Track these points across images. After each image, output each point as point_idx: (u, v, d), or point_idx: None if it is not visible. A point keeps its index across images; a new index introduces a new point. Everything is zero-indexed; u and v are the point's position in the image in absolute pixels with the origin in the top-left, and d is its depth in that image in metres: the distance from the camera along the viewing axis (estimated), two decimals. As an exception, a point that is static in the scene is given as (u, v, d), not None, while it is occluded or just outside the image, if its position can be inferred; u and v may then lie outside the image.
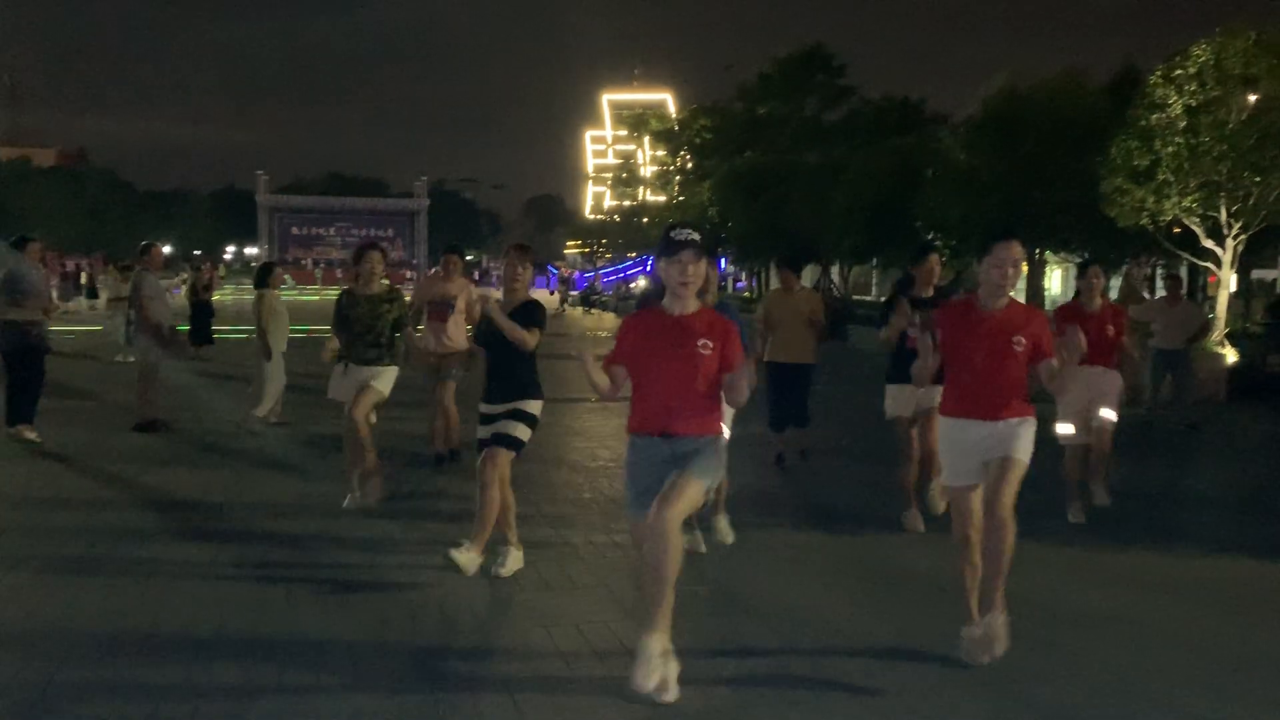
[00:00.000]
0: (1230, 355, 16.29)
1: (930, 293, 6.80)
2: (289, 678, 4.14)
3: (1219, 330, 17.38)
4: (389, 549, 6.10)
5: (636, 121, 67.81)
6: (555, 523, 6.88)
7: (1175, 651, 4.55)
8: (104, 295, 24.02)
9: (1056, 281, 46.14)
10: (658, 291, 4.31)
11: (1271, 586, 5.65)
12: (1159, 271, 27.59)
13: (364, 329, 7.15)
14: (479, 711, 3.87)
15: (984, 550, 4.40)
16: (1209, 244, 18.44)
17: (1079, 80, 24.71)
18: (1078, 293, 7.33)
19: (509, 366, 5.61)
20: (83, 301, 33.56)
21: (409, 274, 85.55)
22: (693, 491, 4.02)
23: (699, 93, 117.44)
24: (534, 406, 5.69)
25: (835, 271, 43.83)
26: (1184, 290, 13.89)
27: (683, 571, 4.03)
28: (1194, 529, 7.01)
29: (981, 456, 4.47)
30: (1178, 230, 19.22)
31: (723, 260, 55.02)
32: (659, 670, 3.87)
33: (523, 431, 5.61)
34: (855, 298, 43.71)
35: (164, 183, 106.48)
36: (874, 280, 57.03)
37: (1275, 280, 38.98)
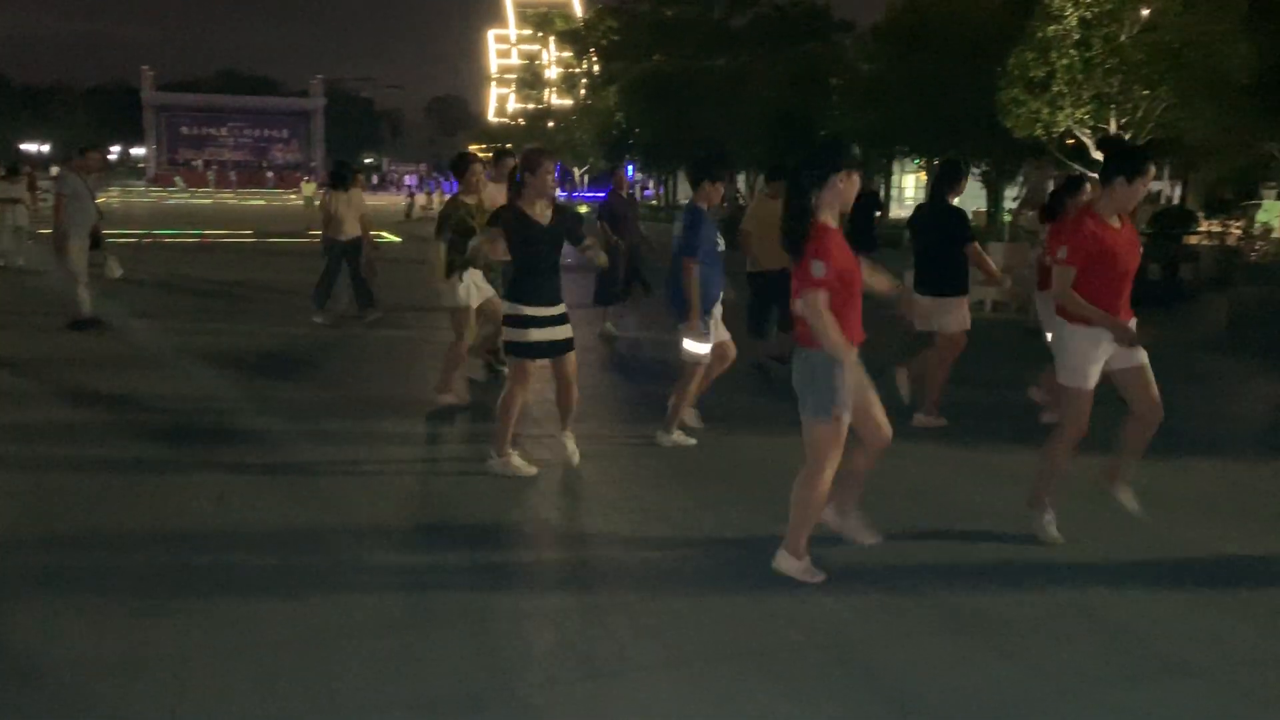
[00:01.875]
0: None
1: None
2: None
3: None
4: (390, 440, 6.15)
5: (541, 21, 66.31)
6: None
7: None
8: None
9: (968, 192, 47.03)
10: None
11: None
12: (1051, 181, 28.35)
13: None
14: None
15: (1136, 433, 4.93)
16: (1098, 155, 19.08)
17: (981, -10, 24.98)
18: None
19: (556, 269, 5.77)
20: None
21: (305, 177, 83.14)
22: None
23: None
24: None
25: (741, 180, 44.02)
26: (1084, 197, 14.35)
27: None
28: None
29: (1107, 358, 4.82)
30: (1070, 141, 19.81)
31: (630, 166, 54.69)
32: None
33: None
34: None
35: (42, 78, 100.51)
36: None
37: (1160, 192, 40.47)
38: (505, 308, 5.73)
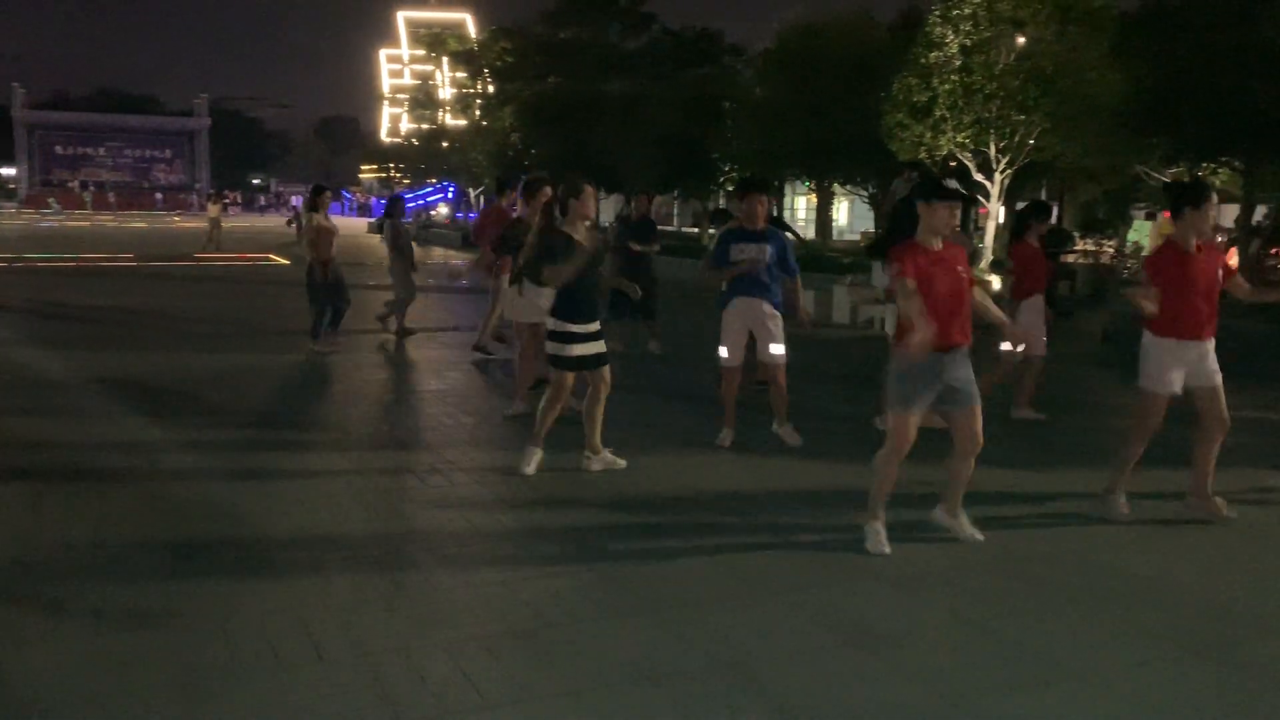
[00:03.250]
0: (996, 282, 17.60)
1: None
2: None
3: (986, 259, 18.72)
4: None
5: (434, 41, 65.68)
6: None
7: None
8: None
9: (844, 213, 48.23)
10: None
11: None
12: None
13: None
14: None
15: (1205, 447, 5.59)
16: (979, 178, 19.74)
17: (868, 17, 25.69)
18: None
19: (595, 288, 6.29)
20: None
21: (193, 199, 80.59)
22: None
23: (499, 14, 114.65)
24: None
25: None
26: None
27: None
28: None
29: (1187, 370, 5.47)
30: (953, 164, 20.46)
31: (525, 188, 54.50)
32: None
33: None
34: (660, 228, 44.23)
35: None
36: (675, 211, 57.95)
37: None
38: (551, 324, 6.18)
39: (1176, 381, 5.51)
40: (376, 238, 44.47)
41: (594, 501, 5.83)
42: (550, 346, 6.24)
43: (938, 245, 5.04)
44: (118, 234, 40.18)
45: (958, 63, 18.65)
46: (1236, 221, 20.36)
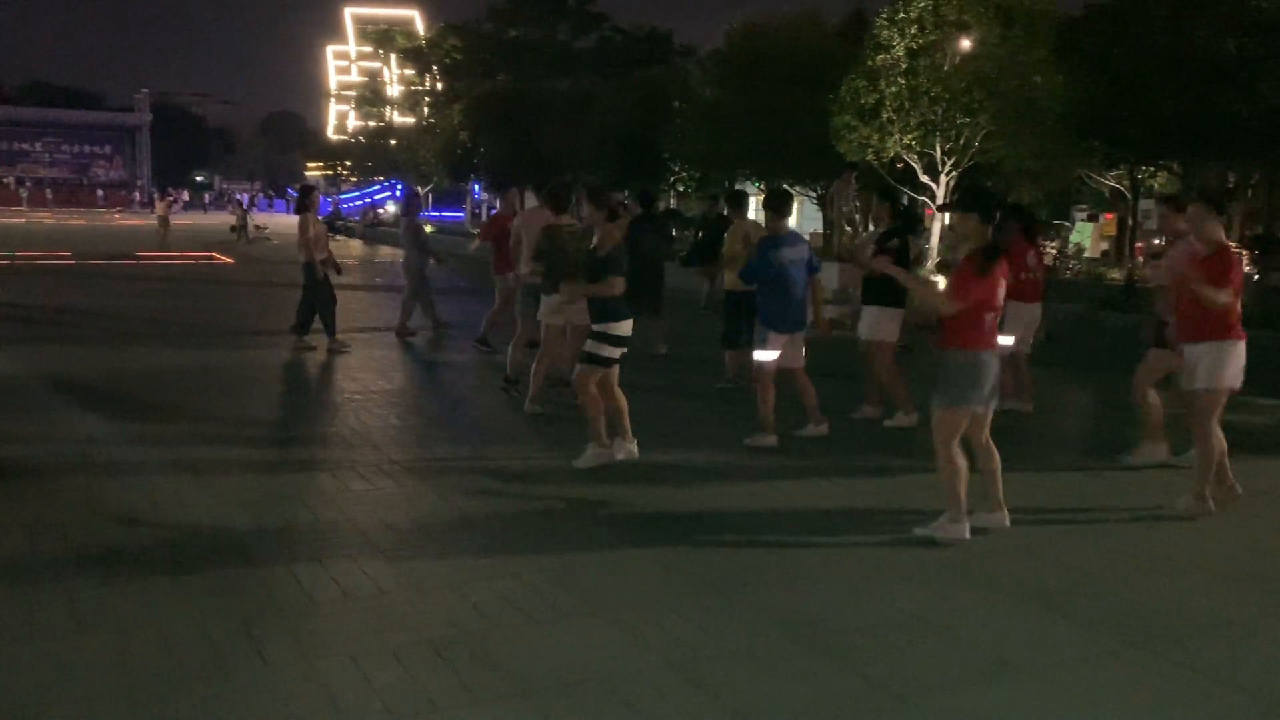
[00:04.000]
0: (941, 282, 17.80)
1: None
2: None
3: (932, 259, 18.96)
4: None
5: (382, 38, 65.09)
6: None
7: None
8: None
9: (793, 213, 48.52)
10: None
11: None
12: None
13: (576, 260, 7.24)
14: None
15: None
16: (925, 179, 19.98)
17: (816, 20, 25.88)
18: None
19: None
20: None
21: (137, 196, 78.90)
22: None
23: (448, 12, 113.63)
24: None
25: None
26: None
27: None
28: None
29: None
30: (899, 165, 20.70)
31: (476, 186, 54.26)
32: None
33: None
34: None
35: None
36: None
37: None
38: (597, 325, 6.46)
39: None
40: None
41: (545, 503, 5.80)
42: (590, 345, 6.46)
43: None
44: (56, 231, 39.27)
45: (904, 65, 18.87)
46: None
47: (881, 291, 7.97)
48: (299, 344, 10.93)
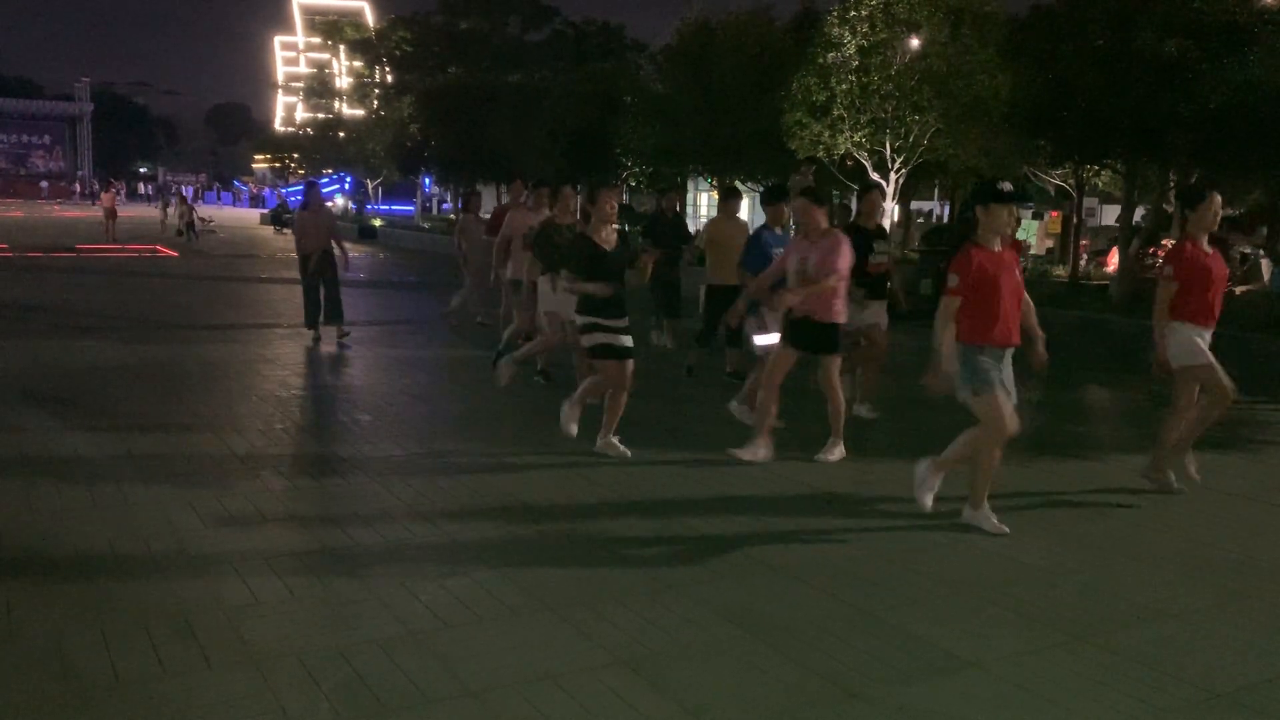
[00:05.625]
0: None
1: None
2: None
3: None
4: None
5: (331, 29, 64.31)
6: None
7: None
8: None
9: (744, 209, 48.75)
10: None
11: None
12: (836, 201, 29.75)
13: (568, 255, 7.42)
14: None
15: (1205, 414, 6.04)
16: (876, 176, 20.13)
17: (766, 16, 25.95)
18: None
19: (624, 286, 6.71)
20: None
21: (78, 187, 77.12)
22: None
23: (398, 3, 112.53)
24: None
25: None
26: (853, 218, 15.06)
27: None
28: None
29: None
30: (850, 163, 20.83)
31: (427, 180, 53.76)
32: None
33: None
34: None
35: None
36: (577, 205, 57.77)
37: (931, 211, 43.23)
38: (581, 321, 6.62)
39: (1203, 350, 5.96)
40: (270, 229, 43.36)
41: (494, 503, 5.76)
42: (587, 338, 6.64)
43: (997, 247, 5.27)
44: (-9, 223, 38.26)
45: (855, 63, 18.98)
46: (1118, 221, 21.20)
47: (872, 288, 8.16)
48: (340, 334, 11.44)
